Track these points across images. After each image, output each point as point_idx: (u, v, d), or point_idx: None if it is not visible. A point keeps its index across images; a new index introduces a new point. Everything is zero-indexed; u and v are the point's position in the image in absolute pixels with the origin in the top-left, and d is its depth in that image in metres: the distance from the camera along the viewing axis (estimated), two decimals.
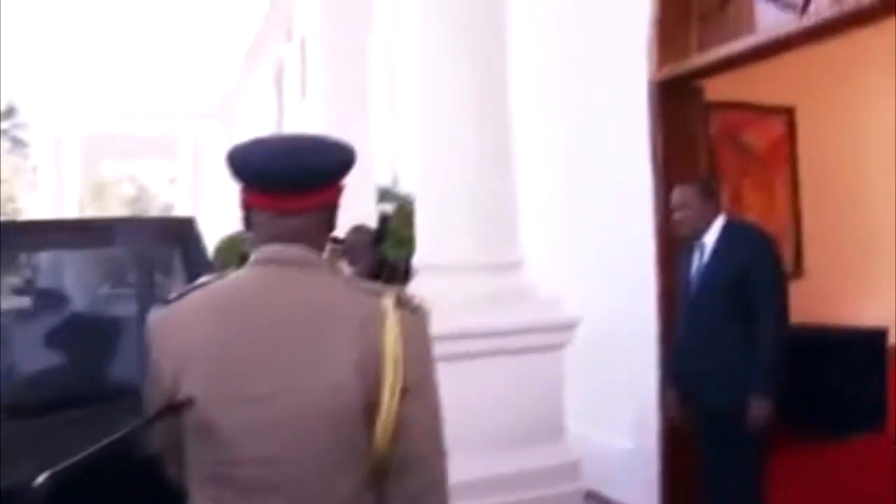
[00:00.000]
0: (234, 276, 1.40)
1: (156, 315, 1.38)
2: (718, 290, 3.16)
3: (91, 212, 19.50)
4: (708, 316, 3.18)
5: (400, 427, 1.29)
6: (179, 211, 18.54)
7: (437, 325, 3.68)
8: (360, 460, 1.30)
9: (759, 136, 6.57)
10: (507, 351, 3.96)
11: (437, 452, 1.38)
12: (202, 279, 1.43)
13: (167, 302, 1.39)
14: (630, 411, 4.20)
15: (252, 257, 1.40)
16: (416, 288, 3.91)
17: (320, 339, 1.30)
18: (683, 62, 3.98)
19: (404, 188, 8.13)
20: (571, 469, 4.03)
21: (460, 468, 3.70)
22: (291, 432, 1.27)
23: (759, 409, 2.99)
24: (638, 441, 4.15)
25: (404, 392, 1.29)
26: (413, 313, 1.37)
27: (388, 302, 1.34)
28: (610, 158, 4.51)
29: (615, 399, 4.36)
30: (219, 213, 15.93)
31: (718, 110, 6.00)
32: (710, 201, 3.28)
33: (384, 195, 7.23)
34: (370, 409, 1.28)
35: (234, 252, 11.24)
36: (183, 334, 1.32)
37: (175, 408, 1.29)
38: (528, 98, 4.86)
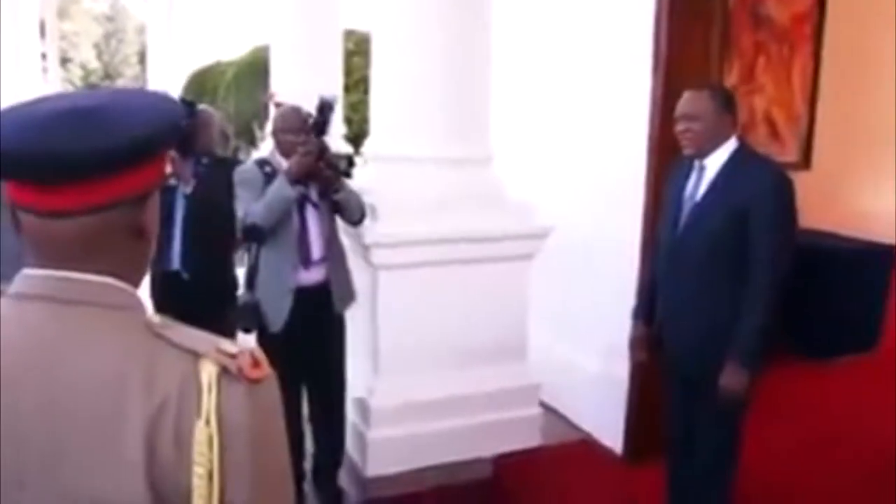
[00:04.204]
0: None
1: None
2: (711, 228, 2.54)
3: (57, 33, 18.14)
4: (694, 258, 2.59)
5: None
6: (152, 32, 17.46)
7: (389, 227, 3.24)
8: None
9: (783, 8, 5.81)
10: (470, 259, 3.47)
11: None
12: None
13: None
14: (601, 334, 3.73)
15: (13, 287, 0.90)
16: (366, 181, 3.37)
17: (98, 434, 0.83)
18: None
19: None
20: (531, 392, 3.65)
21: (413, 387, 3.38)
22: None
23: (732, 379, 2.47)
24: (606, 367, 3.73)
25: None
26: (250, 387, 0.86)
27: (208, 370, 0.84)
28: (602, 41, 3.81)
29: (586, 316, 3.90)
30: (195, 36, 15.02)
31: None
32: (726, 115, 2.59)
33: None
34: None
35: (208, 85, 10.48)
36: None
37: None
38: None
